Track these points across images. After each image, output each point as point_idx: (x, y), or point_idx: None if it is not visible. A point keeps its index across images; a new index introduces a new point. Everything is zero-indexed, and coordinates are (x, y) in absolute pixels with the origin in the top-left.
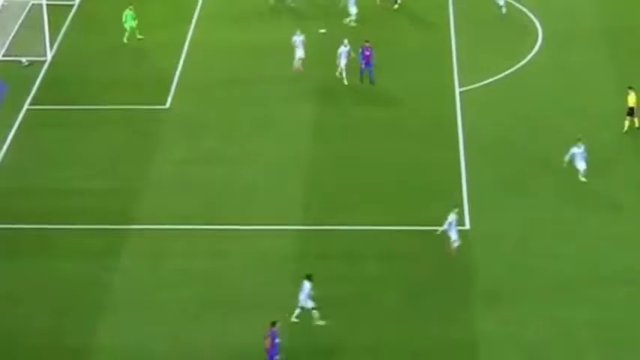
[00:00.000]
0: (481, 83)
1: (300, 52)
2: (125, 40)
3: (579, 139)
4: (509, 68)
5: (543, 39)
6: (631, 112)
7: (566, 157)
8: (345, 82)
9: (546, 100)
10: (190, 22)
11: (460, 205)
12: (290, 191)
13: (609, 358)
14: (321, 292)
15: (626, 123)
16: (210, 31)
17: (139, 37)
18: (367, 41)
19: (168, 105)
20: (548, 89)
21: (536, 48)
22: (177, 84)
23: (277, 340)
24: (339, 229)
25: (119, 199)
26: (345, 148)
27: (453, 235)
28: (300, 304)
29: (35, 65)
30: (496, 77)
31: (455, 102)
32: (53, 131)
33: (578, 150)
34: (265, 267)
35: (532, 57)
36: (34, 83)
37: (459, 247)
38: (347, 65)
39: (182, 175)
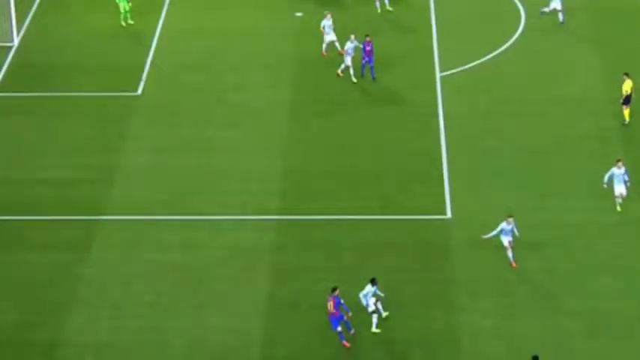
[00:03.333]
0: (462, 68)
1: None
2: (123, 23)
3: (619, 160)
4: (490, 53)
5: (526, 23)
6: (627, 100)
7: (605, 178)
8: (354, 80)
9: (529, 86)
10: (162, 7)
11: (440, 193)
12: (266, 180)
13: (595, 347)
14: (300, 285)
15: (626, 113)
16: (183, 15)
17: (130, 22)
18: (367, 35)
19: (139, 92)
20: (531, 75)
21: (519, 31)
22: (149, 70)
23: (341, 301)
24: (317, 219)
25: (90, 189)
26: (323, 135)
27: (505, 242)
28: (370, 310)
29: (1, 51)
30: (477, 62)
31: (435, 87)
32: (21, 119)
33: (618, 171)
34: (241, 259)
35: (514, 41)
36: (1, 70)
37: (513, 256)
38: (353, 62)
39: (155, 164)
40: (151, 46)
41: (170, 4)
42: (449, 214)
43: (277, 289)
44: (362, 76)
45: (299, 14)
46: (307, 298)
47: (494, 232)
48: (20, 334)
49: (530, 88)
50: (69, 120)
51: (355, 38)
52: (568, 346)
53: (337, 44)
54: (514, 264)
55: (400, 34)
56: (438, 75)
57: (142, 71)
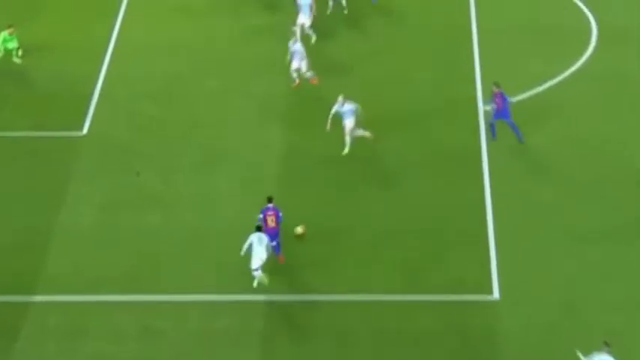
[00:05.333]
0: (512, 99)
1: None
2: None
3: None
4: (550, 78)
5: (598, 37)
6: None
7: None
8: (346, 151)
9: (601, 118)
10: (115, 18)
11: (485, 264)
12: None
13: None
14: None
15: None
16: (144, 26)
17: (17, 59)
18: (496, 84)
19: (85, 131)
20: (603, 103)
21: (589, 50)
22: (98, 102)
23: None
24: (318, 300)
25: (20, 259)
26: (324, 185)
27: None
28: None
29: None
30: (534, 90)
31: (477, 123)
32: None
33: None
34: (216, 352)
35: (582, 62)
36: None
37: None
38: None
39: (104, 225)
40: (100, 69)
41: (126, 12)
42: (496, 294)
43: None
44: (493, 137)
45: (295, 28)
46: None
47: None
48: None
49: (600, 123)
50: None
51: (345, 100)
52: None
53: (305, 70)
54: None
55: (431, 57)
56: (480, 108)
57: (89, 104)
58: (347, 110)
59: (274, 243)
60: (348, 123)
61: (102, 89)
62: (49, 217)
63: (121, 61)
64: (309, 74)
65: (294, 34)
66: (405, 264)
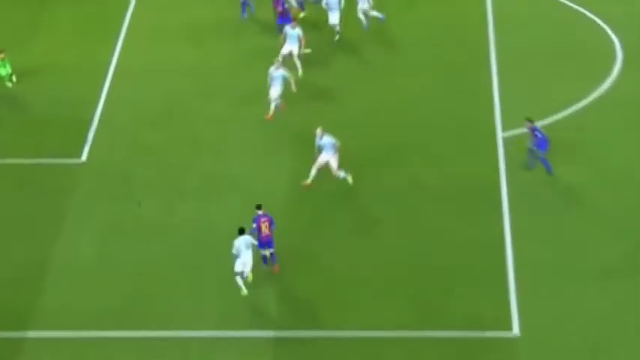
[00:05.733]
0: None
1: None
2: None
3: None
4: (576, 102)
5: (624, 60)
6: None
7: None
8: (308, 181)
9: (628, 145)
10: (116, 40)
11: (504, 300)
12: (257, 280)
13: None
14: None
15: None
16: (145, 51)
17: (9, 83)
18: (529, 119)
19: (84, 158)
20: (630, 128)
21: (614, 73)
22: (98, 127)
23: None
24: (327, 336)
25: (15, 293)
26: (334, 218)
27: None
28: None
29: None
30: (556, 115)
31: (496, 151)
32: None
33: None
34: None
35: (609, 85)
36: None
37: None
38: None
39: (102, 257)
40: (100, 93)
41: (128, 33)
42: (515, 330)
43: None
44: (549, 172)
45: (307, 50)
46: None
47: None
48: None
49: (627, 151)
50: None
51: (323, 133)
52: None
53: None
54: None
55: (445, 80)
56: (499, 135)
57: (88, 129)
58: (326, 143)
59: (272, 251)
60: (325, 156)
61: (102, 114)
62: (45, 249)
63: (122, 85)
64: (278, 101)
65: (277, 60)
66: (419, 299)
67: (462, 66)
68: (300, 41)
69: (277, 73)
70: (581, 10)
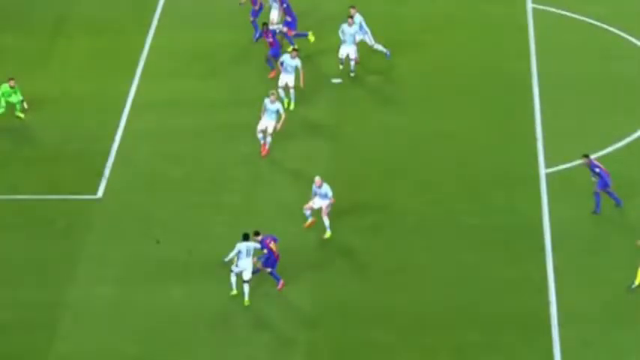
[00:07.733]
0: (577, 162)
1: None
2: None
3: None
4: (624, 137)
5: None
6: None
7: None
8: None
9: None
10: (135, 70)
11: (547, 350)
12: (284, 325)
13: None
14: None
15: None
16: (162, 81)
17: (19, 114)
18: (585, 155)
19: (100, 194)
20: None
21: None
22: (115, 162)
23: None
24: None
25: (26, 336)
26: (364, 254)
27: None
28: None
29: None
30: (603, 151)
31: (539, 189)
32: None
33: None
34: None
35: None
36: None
37: None
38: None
39: (118, 301)
40: (117, 126)
41: (147, 61)
42: None
43: None
44: (597, 210)
45: (337, 80)
46: None
47: None
48: None
49: None
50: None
51: (322, 182)
52: None
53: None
54: None
55: (484, 113)
56: (542, 172)
57: (104, 164)
58: (324, 193)
59: (274, 269)
60: (323, 205)
61: (119, 148)
62: (58, 292)
63: (140, 117)
64: (268, 139)
65: (272, 93)
66: (457, 349)
67: (502, 97)
68: (297, 72)
69: (273, 106)
70: (627, 37)
